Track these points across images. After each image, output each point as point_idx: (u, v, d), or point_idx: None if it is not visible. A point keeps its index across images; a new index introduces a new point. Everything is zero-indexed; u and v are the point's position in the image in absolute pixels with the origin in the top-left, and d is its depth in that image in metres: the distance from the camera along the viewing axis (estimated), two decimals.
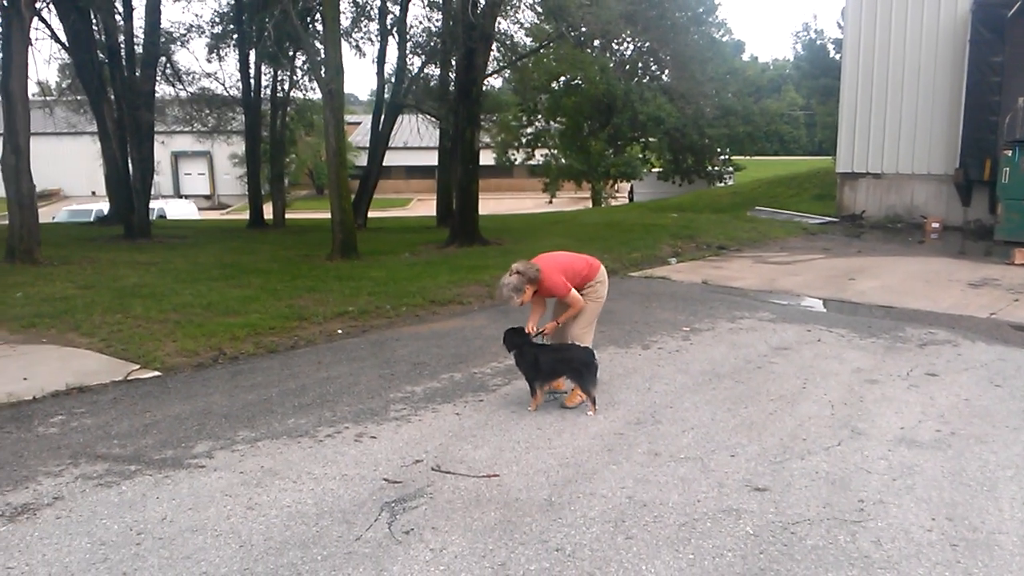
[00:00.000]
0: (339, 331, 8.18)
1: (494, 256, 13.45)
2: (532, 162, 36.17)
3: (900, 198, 18.31)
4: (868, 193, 18.68)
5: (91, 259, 13.09)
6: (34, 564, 3.39)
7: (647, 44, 29.53)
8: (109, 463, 4.58)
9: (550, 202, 36.22)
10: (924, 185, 17.98)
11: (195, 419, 5.39)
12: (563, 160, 34.43)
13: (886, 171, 18.34)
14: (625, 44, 31.55)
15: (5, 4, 12.50)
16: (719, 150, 34.69)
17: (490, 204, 31.60)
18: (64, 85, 26.11)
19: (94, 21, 18.12)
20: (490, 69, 19.94)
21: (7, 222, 12.88)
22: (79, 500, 4.06)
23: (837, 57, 28.14)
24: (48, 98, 23.34)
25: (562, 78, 31.81)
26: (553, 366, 5.52)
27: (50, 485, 4.25)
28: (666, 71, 32.14)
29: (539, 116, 34.93)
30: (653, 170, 36.40)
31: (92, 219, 25.56)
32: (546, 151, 35.50)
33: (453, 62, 18.98)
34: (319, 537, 3.64)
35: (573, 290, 5.64)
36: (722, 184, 35.19)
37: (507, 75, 26.79)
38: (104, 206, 26.15)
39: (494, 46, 19.48)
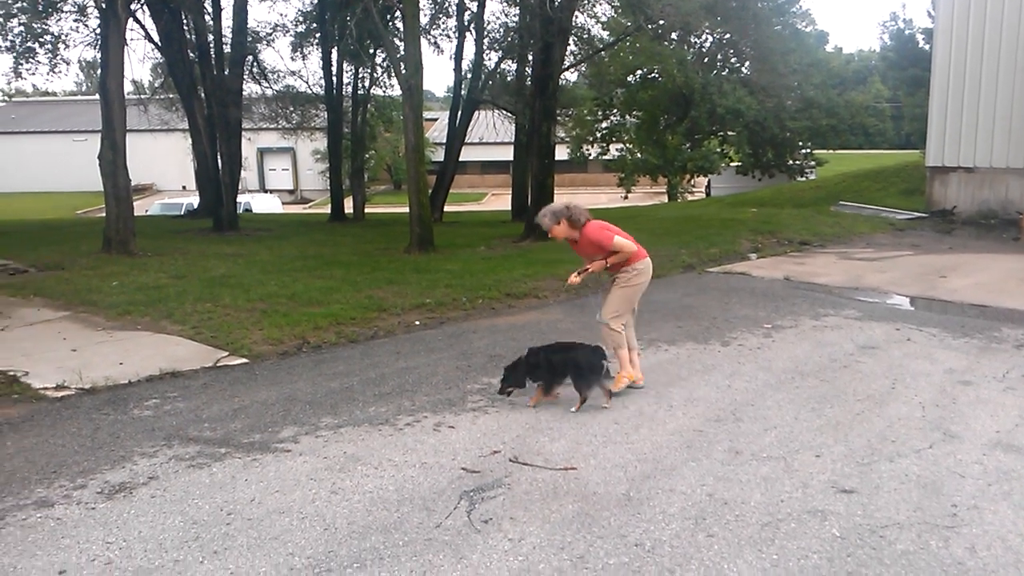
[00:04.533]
0: (417, 322, 8.30)
1: (570, 251, 13.39)
2: (607, 157, 35.90)
3: (994, 193, 17.43)
4: (959, 188, 17.85)
5: (182, 250, 13.64)
6: (131, 540, 3.55)
7: (727, 36, 28.92)
8: (200, 445, 4.76)
9: (625, 197, 35.84)
10: (1020, 180, 17.08)
11: (281, 405, 5.55)
12: (639, 154, 34.06)
13: (979, 165, 17.49)
14: (704, 36, 30.97)
15: (103, 6, 13.11)
16: (800, 143, 33.74)
17: (564, 199, 31.63)
18: (157, 84, 27.18)
19: (185, 21, 18.83)
20: (567, 63, 19.88)
21: (104, 214, 13.52)
22: (172, 480, 4.24)
23: (927, 47, 26.93)
24: (143, 96, 24.32)
25: (639, 71, 31.48)
26: (561, 366, 5.39)
27: (145, 465, 4.45)
28: (746, 63, 31.43)
29: (615, 110, 34.65)
30: (731, 164, 35.66)
31: (182, 212, 26.59)
32: (621, 145, 35.18)
33: (530, 57, 19.00)
34: (400, 523, 3.71)
35: (618, 238, 5.62)
36: (803, 178, 34.19)
37: (583, 69, 26.69)
38: (194, 200, 27.20)
39: (571, 40, 19.41)
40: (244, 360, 6.81)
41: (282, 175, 50.64)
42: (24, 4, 16.62)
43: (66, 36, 18.46)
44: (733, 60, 32.73)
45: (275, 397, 5.76)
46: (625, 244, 5.62)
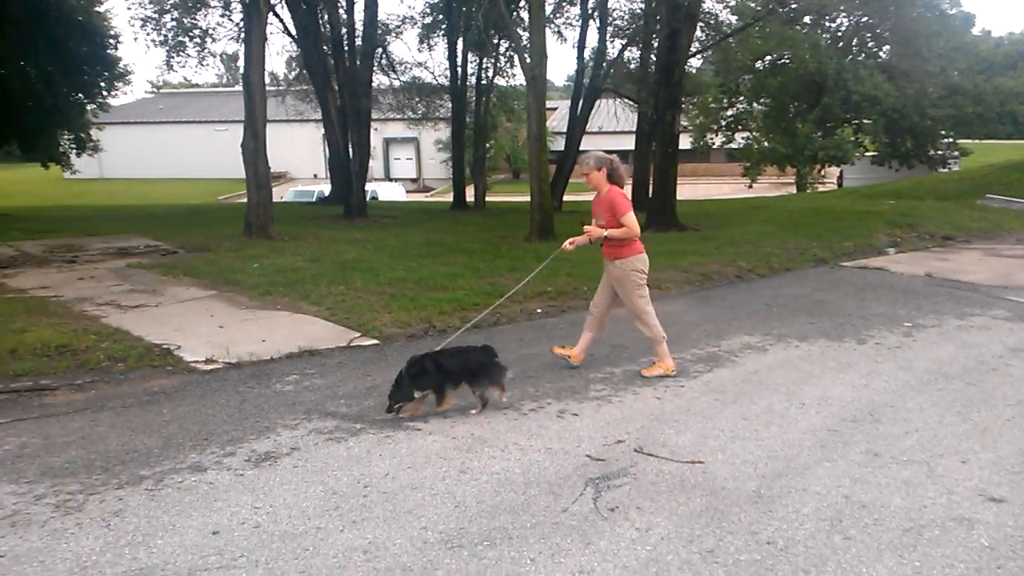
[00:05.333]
0: (538, 310, 8.37)
1: (692, 242, 13.16)
2: (732, 145, 34.85)
3: None
4: None
5: (315, 235, 14.28)
6: (276, 506, 3.77)
7: (864, 19, 27.45)
8: (338, 420, 5.00)
9: (750, 187, 34.67)
10: None
11: None
12: (766, 143, 32.87)
13: None
14: (839, 19, 29.51)
15: (246, 1, 13.84)
16: (943, 132, 31.62)
17: (685, 189, 30.89)
18: (292, 76, 28.45)
19: (320, 15, 19.62)
20: (693, 50, 19.44)
21: (246, 200, 14.33)
22: (313, 452, 4.47)
23: None
24: (280, 88, 25.52)
25: (768, 57, 30.32)
26: (457, 371, 5.12)
27: (288, 437, 4.71)
28: (885, 47, 29.75)
29: (741, 97, 33.55)
30: (866, 154, 33.87)
31: (314, 199, 27.79)
32: (747, 134, 34.05)
33: (655, 44, 18.69)
34: (527, 505, 3.77)
35: (632, 214, 5.68)
36: (946, 169, 32.10)
37: (709, 55, 25.99)
38: (325, 188, 28.39)
39: (698, 26, 18.95)
40: (375, 341, 7.08)
41: (406, 164, 52.03)
42: (176, 0, 17.77)
43: (212, 30, 19.62)
44: (870, 44, 31.02)
45: None
46: (633, 223, 5.70)
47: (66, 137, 24.47)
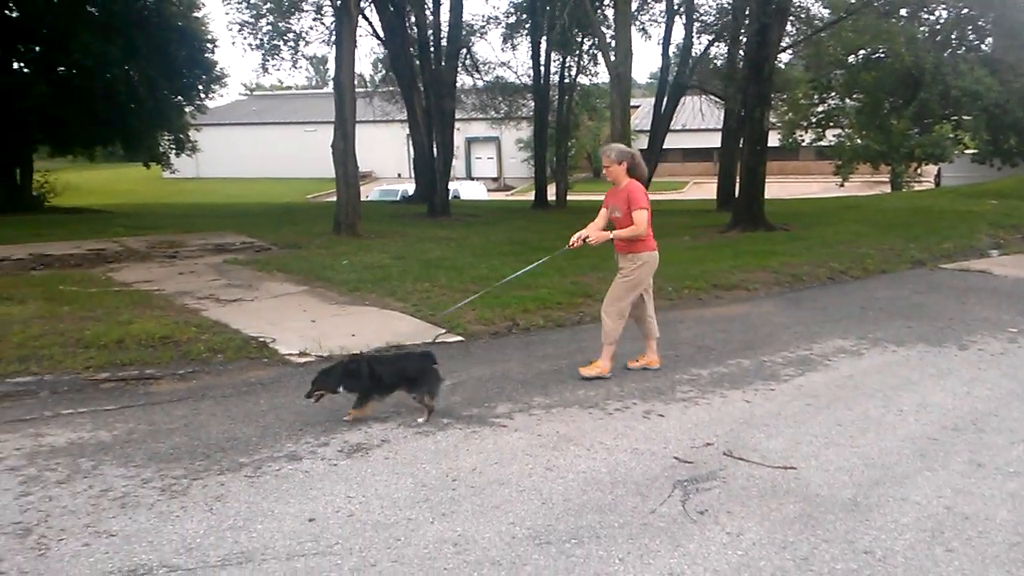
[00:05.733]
0: None
1: (781, 242, 12.84)
2: (822, 143, 33.75)
3: None
4: None
5: (401, 233, 14.56)
6: (369, 496, 3.87)
7: (965, 10, 26.19)
8: (426, 415, 5.08)
9: (841, 186, 33.50)
10: None
11: (495, 383, 5.80)
12: (859, 140, 31.70)
13: None
14: (938, 12, 28.24)
15: (337, 4, 14.21)
16: None
17: (773, 188, 30.09)
18: (378, 78, 29.08)
19: (407, 17, 19.99)
20: (783, 45, 18.95)
21: (335, 199, 14.72)
22: (402, 445, 4.56)
23: None
24: (367, 89, 26.11)
25: (862, 51, 29.25)
26: (390, 378, 4.97)
27: (378, 429, 4.83)
28: (987, 40, 28.29)
29: (832, 93, 32.46)
30: (965, 152, 32.28)
31: (399, 198, 28.34)
32: (839, 131, 32.91)
33: (743, 39, 18.30)
34: (614, 505, 3.76)
35: (646, 211, 5.59)
36: None
37: (798, 50, 25.27)
38: (408, 187, 28.91)
39: (788, 20, 18.46)
40: (459, 338, 7.17)
41: (487, 163, 52.44)
42: (271, 4, 18.41)
43: (305, 34, 20.24)
44: (971, 37, 29.56)
45: (489, 374, 6.02)
46: (643, 221, 5.60)
47: (166, 138, 25.63)
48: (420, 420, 4.92)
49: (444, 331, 7.34)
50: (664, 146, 25.04)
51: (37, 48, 22.60)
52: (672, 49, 23.29)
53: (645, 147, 23.61)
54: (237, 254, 12.17)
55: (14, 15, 21.19)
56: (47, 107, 20.69)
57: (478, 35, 24.22)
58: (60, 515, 3.63)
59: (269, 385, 5.78)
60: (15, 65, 22.80)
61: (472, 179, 45.60)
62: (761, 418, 4.99)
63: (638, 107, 48.29)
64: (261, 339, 6.84)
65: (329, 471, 4.17)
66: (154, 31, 21.54)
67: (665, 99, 23.18)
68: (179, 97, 24.64)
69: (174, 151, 26.09)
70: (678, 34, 23.18)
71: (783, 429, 4.79)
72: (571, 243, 5.94)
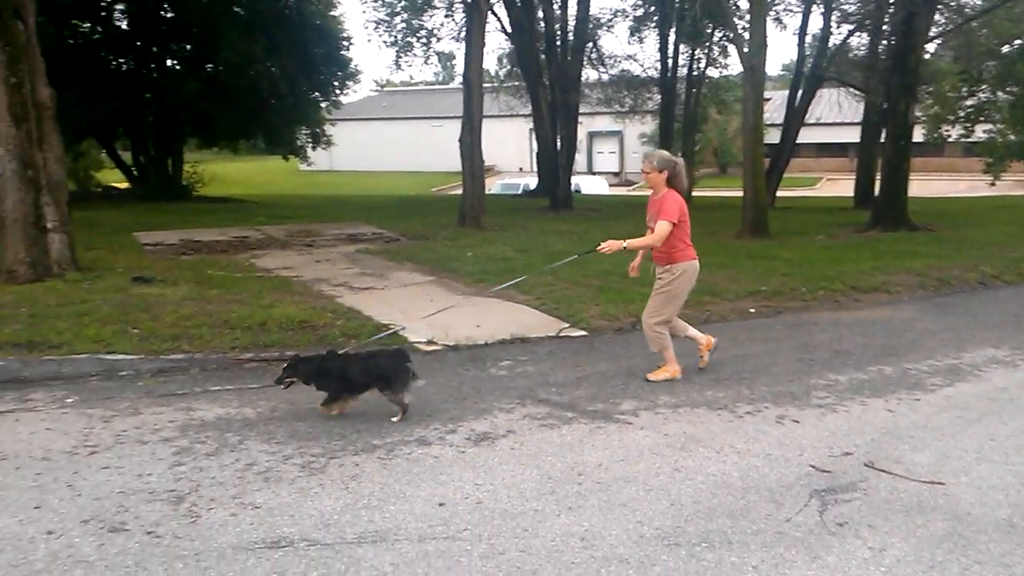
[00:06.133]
0: (751, 310, 8.06)
1: (925, 243, 12.09)
2: (970, 139, 31.46)
3: None
4: None
5: (523, 227, 14.67)
6: (496, 485, 3.91)
7: None
8: (550, 408, 5.10)
9: (992, 185, 31.17)
10: None
11: (619, 378, 5.74)
12: (1012, 136, 29.35)
13: None
14: None
15: (468, 1, 14.44)
16: None
17: (915, 185, 28.39)
18: (503, 73, 29.35)
19: (535, 12, 20.06)
20: (930, 34, 17.79)
21: (461, 192, 15.00)
22: (527, 436, 4.59)
23: None
24: (493, 84, 26.44)
25: (1017, 40, 27.06)
26: (361, 377, 4.82)
27: (504, 419, 4.88)
28: None
29: (983, 85, 30.20)
30: None
31: (520, 192, 28.56)
32: (989, 126, 30.59)
33: (886, 28, 17.31)
34: (746, 511, 3.64)
35: (669, 224, 5.40)
36: None
37: (947, 40, 23.65)
38: (530, 180, 29.07)
39: (936, 9, 17.30)
40: (583, 332, 7.15)
41: (609, 158, 52.05)
42: (406, 2, 18.95)
43: (437, 30, 20.70)
44: None
45: (614, 370, 5.97)
46: (663, 233, 5.43)
47: (303, 132, 26.87)
48: (394, 419, 4.74)
49: (568, 325, 7.34)
50: (798, 141, 24.07)
51: (188, 47, 24.20)
52: (808, 39, 22.34)
53: (777, 141, 22.77)
54: (368, 244, 12.59)
55: (169, 15, 22.74)
56: (197, 103, 22.13)
57: (605, 28, 24.01)
58: (209, 485, 3.87)
59: None
60: (168, 63, 24.49)
61: (594, 174, 45.39)
62: (905, 429, 4.70)
63: (769, 100, 46.59)
64: (392, 326, 7.04)
65: (457, 458, 4.24)
66: (294, 30, 22.60)
67: (800, 91, 22.27)
68: (316, 93, 25.76)
69: (310, 145, 27.31)
70: (815, 24, 22.06)
71: (930, 442, 4.50)
72: (598, 248, 5.73)
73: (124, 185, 26.86)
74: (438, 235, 13.34)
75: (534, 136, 25.47)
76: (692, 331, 6.03)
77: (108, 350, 6.16)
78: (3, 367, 5.77)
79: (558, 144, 19.41)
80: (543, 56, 19.87)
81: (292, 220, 16.51)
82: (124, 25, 23.66)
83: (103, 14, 22.65)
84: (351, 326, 6.94)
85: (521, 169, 47.67)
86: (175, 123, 23.59)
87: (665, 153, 5.79)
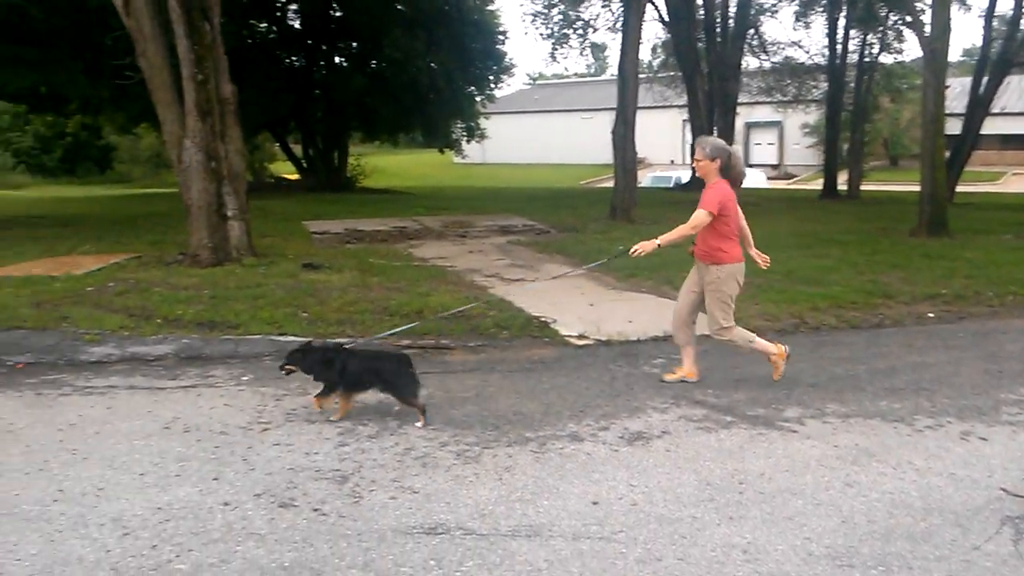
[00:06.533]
0: (930, 314, 7.45)
1: None
2: None
3: None
4: None
5: (675, 220, 14.06)
6: (651, 488, 3.80)
7: None
8: (707, 410, 4.91)
9: None
10: None
11: (782, 384, 5.45)
12: None
13: None
14: None
15: None
16: None
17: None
18: (656, 63, 28.78)
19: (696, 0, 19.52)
20: None
21: (612, 184, 14.83)
22: (683, 438, 4.44)
23: None
24: (647, 75, 25.99)
25: None
26: (360, 376, 4.67)
27: (658, 419, 4.74)
28: None
29: None
30: None
31: (671, 185, 27.96)
32: None
33: None
34: (928, 534, 3.34)
35: (706, 214, 5.01)
36: None
37: None
38: (682, 173, 28.40)
39: None
40: None
41: (767, 150, 50.00)
42: None
43: (593, 21, 20.58)
44: None
45: None
46: (697, 221, 5.05)
47: (459, 125, 27.54)
48: (418, 424, 4.58)
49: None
50: (981, 132, 22.07)
51: (355, 45, 25.38)
52: (995, 22, 20.40)
53: (957, 132, 20.97)
54: (519, 235, 12.71)
55: (337, 14, 23.93)
56: (362, 98, 23.16)
57: (768, 14, 23.06)
58: (371, 467, 4.00)
59: (551, 364, 5.93)
60: (336, 60, 25.80)
61: (750, 166, 43.67)
62: None
63: (948, 87, 43.09)
64: (543, 319, 7.05)
65: (611, 456, 4.16)
66: (453, 25, 23.18)
67: (984, 78, 20.39)
68: (472, 87, 26.32)
69: (465, 138, 27.95)
70: (1005, 3, 20.12)
71: None
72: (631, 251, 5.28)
73: (294, 176, 28.63)
74: (588, 228, 13.27)
75: (688, 127, 24.85)
76: (692, 351, 5.55)
77: (280, 332, 6.55)
78: (188, 344, 6.26)
79: (714, 135, 18.80)
80: (701, 44, 19.29)
81: (447, 211, 16.95)
82: (297, 24, 25.16)
83: (278, 14, 24.16)
84: (503, 317, 7.01)
85: (673, 161, 46.67)
86: (342, 118, 24.85)
87: (719, 140, 5.38)
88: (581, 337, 6.64)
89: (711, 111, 19.03)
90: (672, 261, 9.65)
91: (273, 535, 3.29)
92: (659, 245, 5.15)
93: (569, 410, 4.88)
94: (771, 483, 3.84)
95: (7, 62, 12.86)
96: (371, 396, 5.11)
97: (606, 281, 8.88)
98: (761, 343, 5.45)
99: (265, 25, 24.56)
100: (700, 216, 5.08)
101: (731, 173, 5.19)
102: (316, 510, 3.51)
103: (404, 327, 5.86)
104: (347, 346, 5.02)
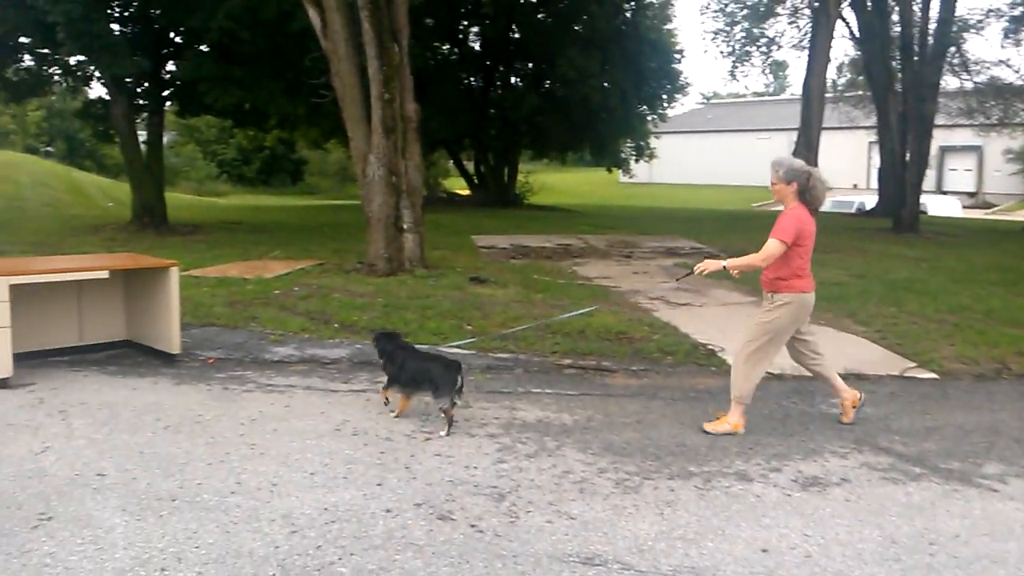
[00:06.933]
0: None
1: None
2: None
3: None
4: None
5: (859, 249, 13.42)
6: (827, 540, 3.49)
7: None
8: (892, 458, 4.49)
9: None
10: None
11: (981, 435, 4.91)
12: None
13: None
14: None
15: (815, 6, 13.54)
16: None
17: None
18: (842, 82, 27.26)
19: (889, 15, 18.31)
20: None
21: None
22: (866, 488, 4.07)
23: None
24: (832, 94, 24.71)
25: None
26: (414, 374, 4.81)
27: (836, 465, 4.38)
28: None
29: None
30: None
31: (854, 210, 26.31)
32: None
33: None
34: None
35: (779, 244, 4.60)
36: None
37: None
38: (865, 198, 26.69)
39: None
40: (933, 375, 6.27)
41: (963, 176, 45.99)
42: (747, 11, 18.41)
43: (778, 37, 19.83)
44: None
45: (974, 424, 5.12)
46: (769, 252, 4.63)
47: (628, 145, 27.36)
48: (442, 433, 4.62)
49: (914, 365, 6.48)
50: None
51: (530, 65, 25.88)
52: None
53: None
54: (687, 259, 12.36)
55: (515, 36, 24.52)
56: (534, 116, 23.55)
57: (972, 31, 21.17)
58: (528, 487, 3.95)
59: (717, 395, 5.66)
60: (512, 80, 26.42)
61: (943, 193, 40.44)
62: None
63: None
64: (709, 346, 6.78)
65: (782, 500, 3.88)
66: (629, 44, 23.09)
67: None
68: (644, 106, 26.08)
69: (634, 157, 27.73)
70: None
71: None
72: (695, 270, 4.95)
73: (465, 192, 29.55)
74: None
75: (875, 150, 23.30)
76: (838, 381, 5.08)
77: (445, 343, 6.69)
78: (360, 350, 6.53)
79: (907, 159, 17.50)
80: (895, 62, 18.05)
81: (612, 231, 16.81)
82: (477, 47, 26.03)
83: (460, 36, 25.10)
84: (667, 342, 6.81)
85: (856, 185, 43.94)
86: (514, 136, 25.39)
87: (797, 161, 4.90)
88: None
89: (903, 133, 17.71)
90: (852, 293, 9.07)
91: (431, 547, 3.31)
92: (724, 267, 4.86)
93: (737, 446, 4.62)
94: (967, 547, 3.43)
95: (219, 81, 14.14)
96: (531, 414, 5.10)
97: None
98: (742, 403, 4.90)
99: (448, 47, 25.60)
100: (772, 246, 4.68)
101: (808, 196, 4.78)
102: (473, 526, 3.51)
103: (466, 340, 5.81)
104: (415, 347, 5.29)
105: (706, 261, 4.95)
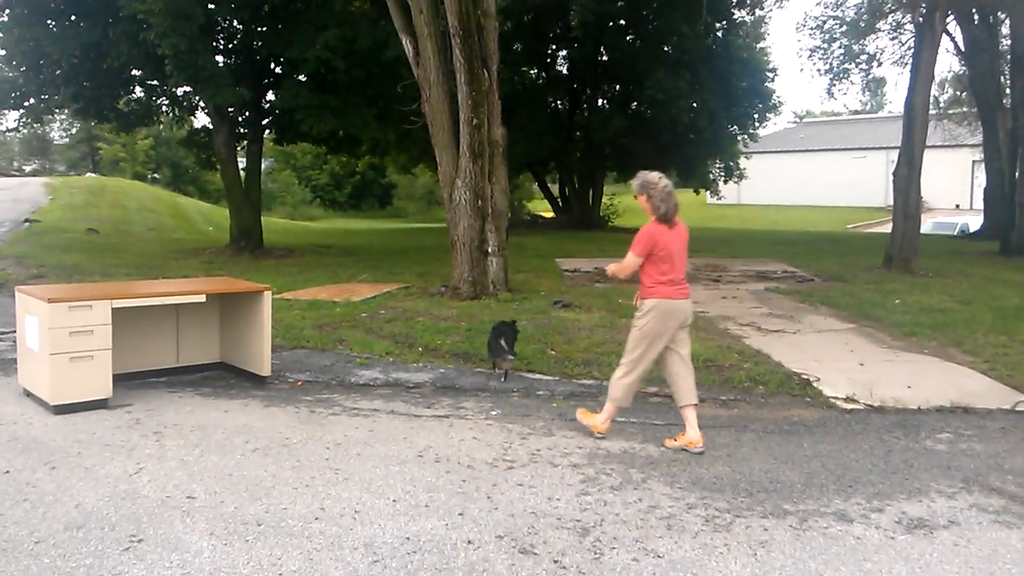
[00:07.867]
0: None
1: None
2: None
3: None
4: None
5: (965, 273, 12.72)
6: None
7: None
8: (1005, 500, 4.17)
9: None
10: None
11: None
12: None
13: None
14: None
15: (919, 21, 12.99)
16: None
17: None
18: (944, 99, 26.08)
19: (998, 28, 17.45)
20: None
21: (890, 230, 13.53)
22: (976, 532, 3.78)
23: None
24: (935, 112, 23.68)
25: None
26: (496, 342, 6.37)
27: (944, 506, 4.10)
28: None
29: None
30: None
31: (956, 232, 25.06)
32: None
33: None
34: None
35: (632, 256, 4.93)
36: None
37: None
38: (969, 220, 25.38)
39: None
40: None
41: None
42: (847, 27, 17.87)
43: (879, 54, 19.16)
44: None
45: None
46: (624, 264, 5.01)
47: (717, 166, 26.84)
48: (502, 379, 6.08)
49: None
50: None
51: (617, 87, 25.78)
52: None
53: None
54: (778, 283, 11.98)
55: (603, 58, 24.49)
56: (620, 138, 23.41)
57: None
58: (612, 522, 3.83)
59: (813, 428, 5.42)
60: (598, 102, 26.36)
61: None
62: None
63: None
64: (804, 376, 6.50)
65: (885, 543, 3.64)
66: (719, 64, 22.73)
67: None
68: (734, 127, 25.56)
69: (723, 178, 27.18)
70: None
71: None
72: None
73: (549, 214, 29.56)
74: (858, 277, 12.18)
75: (980, 169, 22.13)
76: (690, 412, 4.90)
77: (528, 368, 6.65)
78: (443, 374, 6.55)
79: (1015, 178, 16.54)
80: (1005, 78, 17.14)
81: (698, 254, 16.44)
82: (564, 70, 26.12)
83: (548, 60, 25.23)
84: (759, 371, 6.57)
85: (958, 206, 41.88)
86: (599, 158, 25.29)
87: (649, 175, 4.98)
88: (849, 400, 6.02)
89: (1013, 152, 16.76)
90: (958, 320, 8.60)
91: None
92: (608, 274, 5.24)
93: (835, 484, 4.39)
94: None
95: (315, 109, 14.63)
96: (615, 444, 4.99)
97: (879, 338, 8.03)
98: (613, 411, 5.05)
99: (535, 71, 25.78)
100: (626, 260, 5.03)
101: (658, 207, 4.92)
102: (556, 561, 3.42)
103: None
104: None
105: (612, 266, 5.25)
